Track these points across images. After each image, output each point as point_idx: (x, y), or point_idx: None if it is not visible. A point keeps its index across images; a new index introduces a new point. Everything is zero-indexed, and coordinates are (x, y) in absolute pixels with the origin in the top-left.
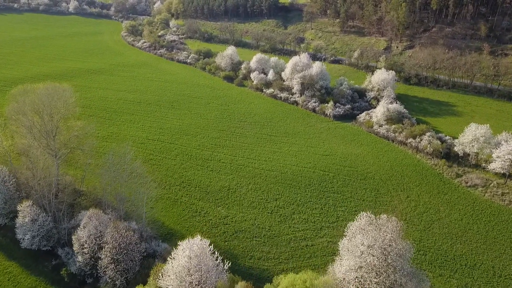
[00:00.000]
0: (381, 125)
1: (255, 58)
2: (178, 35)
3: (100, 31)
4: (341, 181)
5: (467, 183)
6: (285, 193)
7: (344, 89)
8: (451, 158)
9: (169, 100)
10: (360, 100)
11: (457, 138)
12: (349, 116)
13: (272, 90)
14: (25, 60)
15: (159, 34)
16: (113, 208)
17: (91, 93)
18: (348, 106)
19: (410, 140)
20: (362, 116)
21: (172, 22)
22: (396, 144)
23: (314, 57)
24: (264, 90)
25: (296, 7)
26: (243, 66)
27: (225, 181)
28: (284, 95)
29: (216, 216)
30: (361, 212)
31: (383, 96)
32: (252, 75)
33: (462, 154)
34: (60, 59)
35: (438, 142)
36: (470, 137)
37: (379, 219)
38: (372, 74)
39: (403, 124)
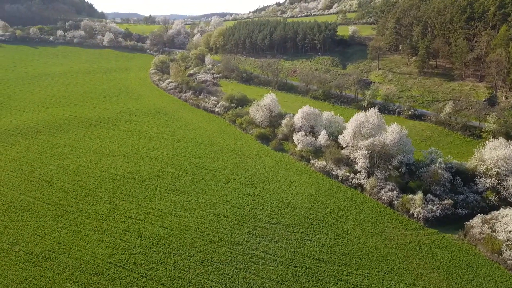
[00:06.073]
0: None
1: (301, 113)
2: (212, 73)
3: (128, 67)
4: None
5: None
6: None
7: (439, 171)
8: None
9: (172, 175)
10: (465, 189)
11: None
12: (450, 219)
13: (324, 162)
14: (22, 104)
15: (191, 72)
16: None
17: (71, 159)
18: (448, 200)
19: None
20: (476, 225)
21: (208, 58)
22: None
23: (384, 109)
24: (311, 160)
25: (358, 41)
26: (284, 121)
27: None
28: (342, 172)
29: None
30: None
31: (507, 188)
32: (296, 137)
33: None
34: (63, 103)
35: None
36: None
37: None
38: (483, 145)
39: None
